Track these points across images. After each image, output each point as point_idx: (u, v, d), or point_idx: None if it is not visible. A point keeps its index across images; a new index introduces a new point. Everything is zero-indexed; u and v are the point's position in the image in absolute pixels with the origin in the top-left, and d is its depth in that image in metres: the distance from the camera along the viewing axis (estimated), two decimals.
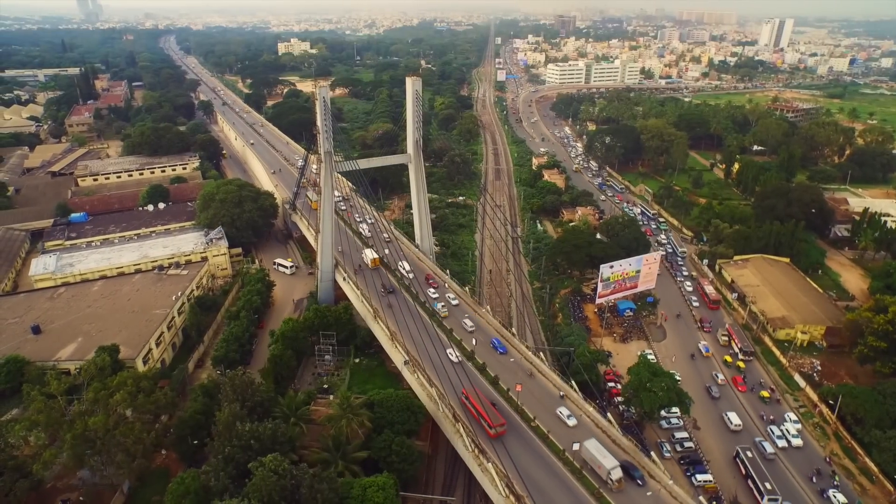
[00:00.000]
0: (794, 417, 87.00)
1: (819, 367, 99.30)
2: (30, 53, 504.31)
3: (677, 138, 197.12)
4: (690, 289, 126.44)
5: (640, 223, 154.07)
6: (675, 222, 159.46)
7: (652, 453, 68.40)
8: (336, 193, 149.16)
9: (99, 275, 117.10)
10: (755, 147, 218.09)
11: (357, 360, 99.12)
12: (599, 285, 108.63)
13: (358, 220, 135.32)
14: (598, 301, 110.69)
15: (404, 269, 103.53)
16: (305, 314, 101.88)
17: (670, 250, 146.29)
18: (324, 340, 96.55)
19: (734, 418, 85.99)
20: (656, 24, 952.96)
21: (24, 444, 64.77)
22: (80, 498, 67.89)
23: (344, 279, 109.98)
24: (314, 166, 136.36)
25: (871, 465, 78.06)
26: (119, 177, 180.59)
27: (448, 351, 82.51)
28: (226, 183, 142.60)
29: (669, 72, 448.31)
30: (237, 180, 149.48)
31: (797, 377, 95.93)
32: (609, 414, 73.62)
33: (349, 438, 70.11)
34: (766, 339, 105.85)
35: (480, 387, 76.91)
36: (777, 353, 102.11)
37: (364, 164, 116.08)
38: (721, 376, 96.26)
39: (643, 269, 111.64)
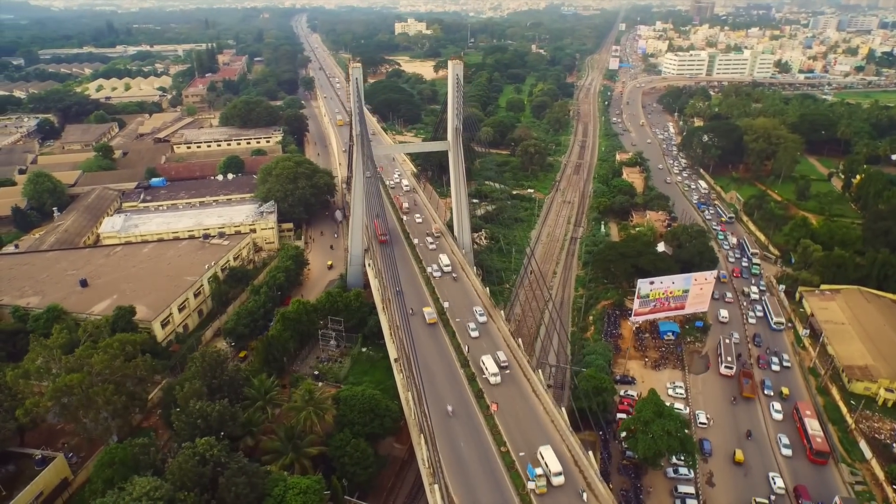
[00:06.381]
0: None
1: None
2: (178, 31, 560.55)
3: (787, 141, 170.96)
4: (780, 416, 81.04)
5: (731, 259, 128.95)
6: (762, 237, 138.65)
7: None
8: (396, 175, 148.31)
9: (156, 237, 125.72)
10: (895, 156, 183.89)
11: (363, 350, 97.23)
12: (636, 302, 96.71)
13: (405, 209, 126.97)
14: (632, 319, 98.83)
15: None
16: (319, 297, 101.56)
17: (760, 314, 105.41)
18: (331, 326, 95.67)
19: None
20: (813, 11, 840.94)
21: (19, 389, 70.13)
22: (65, 444, 72.71)
23: (369, 265, 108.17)
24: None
25: None
26: (209, 146, 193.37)
27: None
28: (285, 158, 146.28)
29: (813, 65, 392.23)
30: (296, 156, 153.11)
31: (863, 444, 78.39)
32: (591, 453, 64.36)
33: (307, 431, 68.12)
34: (834, 391, 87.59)
35: None
36: (844, 409, 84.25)
37: (400, 149, 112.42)
38: None
39: (692, 290, 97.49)
